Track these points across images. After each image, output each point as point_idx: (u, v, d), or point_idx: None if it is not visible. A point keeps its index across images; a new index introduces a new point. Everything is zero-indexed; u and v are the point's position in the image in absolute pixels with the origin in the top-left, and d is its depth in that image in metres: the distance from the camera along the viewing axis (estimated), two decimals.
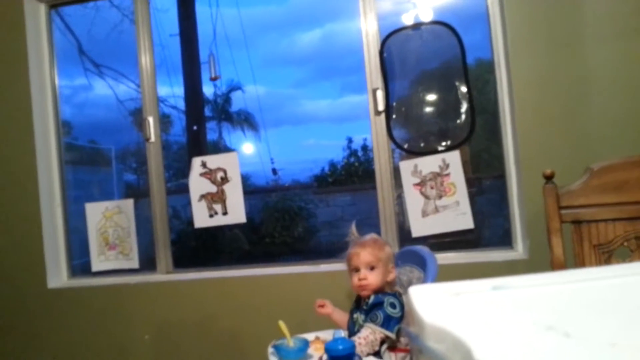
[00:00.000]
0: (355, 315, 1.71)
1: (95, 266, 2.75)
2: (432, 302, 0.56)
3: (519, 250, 2.27)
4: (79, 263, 2.84)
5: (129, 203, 2.73)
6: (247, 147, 4.98)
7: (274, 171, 4.35)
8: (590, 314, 0.51)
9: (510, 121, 2.28)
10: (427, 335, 0.50)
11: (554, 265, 1.54)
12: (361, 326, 1.66)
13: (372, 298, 1.65)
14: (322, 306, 1.80)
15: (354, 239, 1.74)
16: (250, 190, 4.06)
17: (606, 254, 1.53)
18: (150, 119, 2.66)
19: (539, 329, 0.45)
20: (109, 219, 2.74)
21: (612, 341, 0.41)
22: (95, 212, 2.76)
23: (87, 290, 2.64)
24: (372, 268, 1.64)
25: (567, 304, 0.55)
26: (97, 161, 3.30)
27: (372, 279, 1.63)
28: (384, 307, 1.60)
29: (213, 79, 3.29)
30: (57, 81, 2.84)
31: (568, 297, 0.57)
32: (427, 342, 0.50)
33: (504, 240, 2.36)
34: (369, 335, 1.56)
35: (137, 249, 2.70)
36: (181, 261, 2.77)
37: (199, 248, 3.53)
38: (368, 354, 1.56)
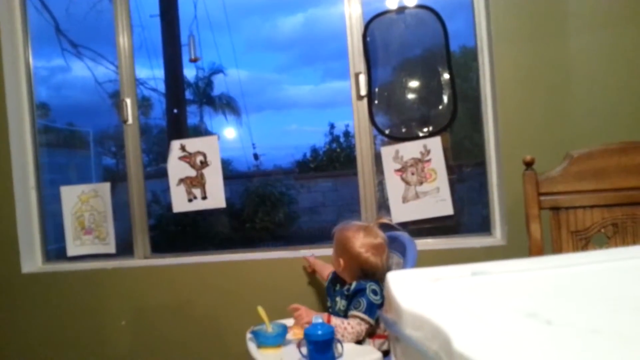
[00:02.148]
0: (337, 299, 1.72)
1: (71, 251, 2.69)
2: (410, 288, 0.55)
3: (497, 236, 2.29)
4: (55, 248, 2.77)
5: (106, 187, 2.68)
6: (229, 132, 4.92)
7: (256, 156, 4.31)
8: (570, 300, 0.50)
9: (491, 108, 2.28)
10: (404, 322, 0.49)
11: (532, 251, 1.55)
12: (342, 311, 1.66)
13: (354, 284, 1.65)
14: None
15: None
16: (231, 175, 4.02)
17: (583, 241, 1.54)
18: (128, 101, 2.60)
19: (520, 316, 0.44)
20: (84, 202, 2.68)
21: (594, 328, 0.40)
22: (71, 196, 2.70)
23: (62, 275, 2.59)
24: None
25: (547, 291, 0.54)
26: (75, 144, 3.22)
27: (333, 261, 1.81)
28: (366, 294, 1.61)
29: (193, 61, 3.23)
30: (31, 61, 2.74)
31: (548, 283, 0.56)
32: (405, 329, 0.48)
33: (483, 226, 2.37)
34: (355, 326, 1.57)
35: (114, 234, 2.65)
36: (161, 246, 2.73)
37: (179, 233, 3.49)
38: (351, 341, 1.56)
